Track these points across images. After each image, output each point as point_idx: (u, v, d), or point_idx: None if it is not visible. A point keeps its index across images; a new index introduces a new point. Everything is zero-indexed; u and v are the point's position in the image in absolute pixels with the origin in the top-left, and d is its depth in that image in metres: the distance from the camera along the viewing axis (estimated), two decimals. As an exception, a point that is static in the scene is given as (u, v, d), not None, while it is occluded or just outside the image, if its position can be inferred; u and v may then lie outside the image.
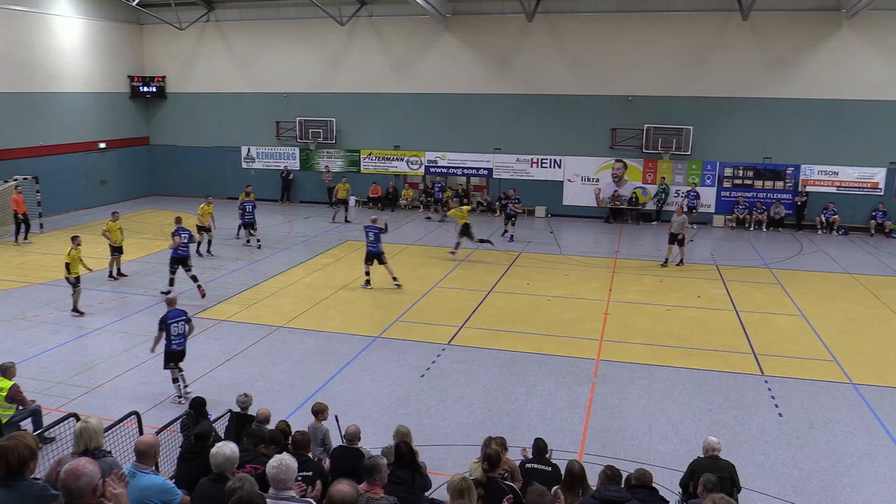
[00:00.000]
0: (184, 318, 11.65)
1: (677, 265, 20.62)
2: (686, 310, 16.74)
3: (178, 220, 18.38)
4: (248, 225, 22.77)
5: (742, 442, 10.18)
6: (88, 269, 16.42)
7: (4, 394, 9.67)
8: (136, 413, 8.09)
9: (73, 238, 16.22)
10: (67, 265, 15.74)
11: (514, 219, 24.33)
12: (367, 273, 18.24)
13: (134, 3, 30.08)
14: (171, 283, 17.46)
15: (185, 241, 17.30)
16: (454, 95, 29.33)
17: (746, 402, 11.67)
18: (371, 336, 14.58)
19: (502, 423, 10.75)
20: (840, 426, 10.87)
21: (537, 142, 28.89)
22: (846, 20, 25.41)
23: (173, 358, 11.55)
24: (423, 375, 12.63)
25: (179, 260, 17.22)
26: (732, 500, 5.31)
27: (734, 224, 27.24)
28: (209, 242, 21.67)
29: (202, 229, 21.29)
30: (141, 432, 7.84)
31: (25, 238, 23.12)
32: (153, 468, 5.56)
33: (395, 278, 18.22)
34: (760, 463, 9.60)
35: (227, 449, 5.52)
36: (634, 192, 28.21)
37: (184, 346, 11.66)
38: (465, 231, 21.30)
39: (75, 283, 15.81)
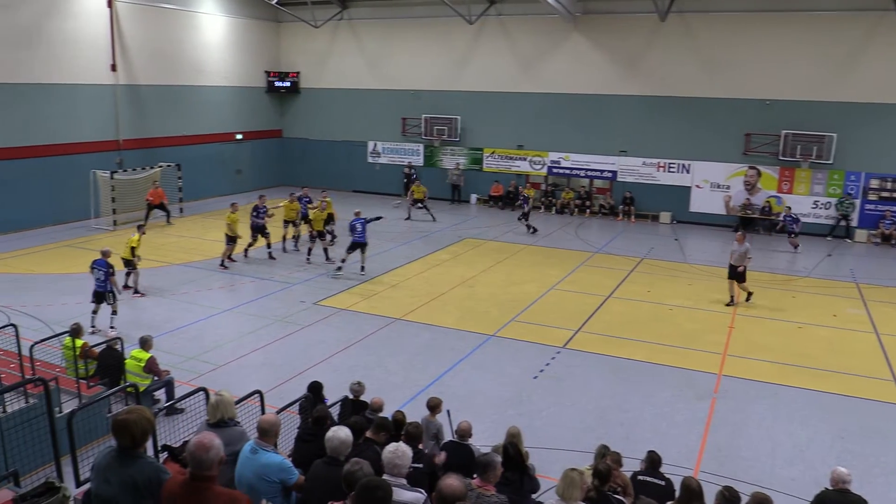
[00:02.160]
0: (104, 269, 14.01)
1: (746, 301, 17.19)
2: (820, 328, 15.73)
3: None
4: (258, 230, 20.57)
5: (876, 475, 9.44)
6: (138, 257, 16.46)
7: (143, 364, 10.39)
8: (259, 392, 8.45)
9: (140, 226, 17.03)
10: (133, 249, 16.20)
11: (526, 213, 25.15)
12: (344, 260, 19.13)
13: (273, 2, 31.49)
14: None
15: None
16: (581, 96, 28.88)
17: (884, 432, 10.82)
18: (486, 334, 14.60)
19: (615, 431, 10.48)
20: None
21: (665, 145, 27.97)
22: None
23: (95, 296, 14.21)
24: (536, 377, 12.52)
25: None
26: None
27: (879, 240, 25.30)
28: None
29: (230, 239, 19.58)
30: (263, 411, 8.18)
31: (168, 222, 24.85)
32: (273, 447, 5.77)
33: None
34: (897, 499, 8.89)
35: (342, 433, 5.66)
36: (768, 202, 26.75)
37: (103, 288, 14.11)
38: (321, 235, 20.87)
39: (134, 266, 16.46)
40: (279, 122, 35.28)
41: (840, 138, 25.25)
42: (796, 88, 25.69)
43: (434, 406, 8.68)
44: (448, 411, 8.95)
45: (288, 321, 15.09)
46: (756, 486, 7.91)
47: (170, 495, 4.28)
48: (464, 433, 7.62)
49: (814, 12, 25.01)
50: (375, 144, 33.44)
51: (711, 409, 11.45)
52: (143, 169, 25.88)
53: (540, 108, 29.68)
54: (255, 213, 20.22)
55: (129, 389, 9.34)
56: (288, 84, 34.33)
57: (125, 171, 25.34)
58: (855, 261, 22.67)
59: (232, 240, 19.39)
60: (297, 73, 34.31)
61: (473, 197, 31.24)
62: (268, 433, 5.69)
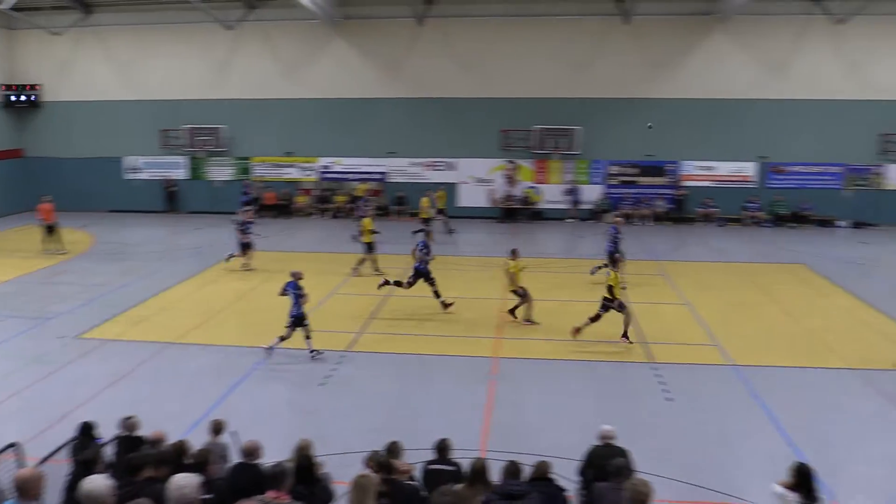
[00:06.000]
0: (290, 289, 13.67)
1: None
2: (579, 304, 17.15)
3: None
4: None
5: (635, 427, 10.55)
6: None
7: None
8: (14, 445, 7.61)
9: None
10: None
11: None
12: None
13: (6, 7, 28.08)
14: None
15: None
16: (348, 100, 29.14)
17: (638, 389, 12.20)
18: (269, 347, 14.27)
19: (405, 427, 10.74)
20: (724, 406, 11.54)
21: (431, 145, 29.14)
22: (719, 24, 27.01)
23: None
24: (322, 384, 12.48)
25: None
26: (648, 482, 5.58)
27: (622, 219, 28.23)
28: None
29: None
30: (21, 465, 7.38)
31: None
32: (36, 502, 5.23)
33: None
34: (652, 446, 9.98)
35: (90, 484, 5.02)
36: (527, 193, 28.91)
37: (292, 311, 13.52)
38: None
39: None
40: (20, 140, 31.68)
41: (584, 131, 27.91)
42: (544, 86, 28.01)
43: (216, 428, 8.36)
44: (233, 432, 8.66)
45: (45, 360, 13.65)
46: (539, 456, 8.53)
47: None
48: (251, 452, 7.42)
49: (553, 17, 27.40)
50: (134, 160, 31.21)
51: (492, 390, 12.16)
52: None
53: (308, 114, 29.53)
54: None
55: None
56: (27, 98, 30.90)
57: None
58: (603, 240, 25.06)
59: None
60: (39, 85, 31.01)
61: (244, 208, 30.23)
62: (27, 490, 5.13)
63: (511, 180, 28.93)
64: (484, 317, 16.31)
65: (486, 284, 19.07)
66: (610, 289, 14.27)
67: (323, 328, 15.39)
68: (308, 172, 30.19)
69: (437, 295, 16.56)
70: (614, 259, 16.26)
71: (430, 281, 16.57)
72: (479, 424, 10.91)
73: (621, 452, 7.78)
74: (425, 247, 17.04)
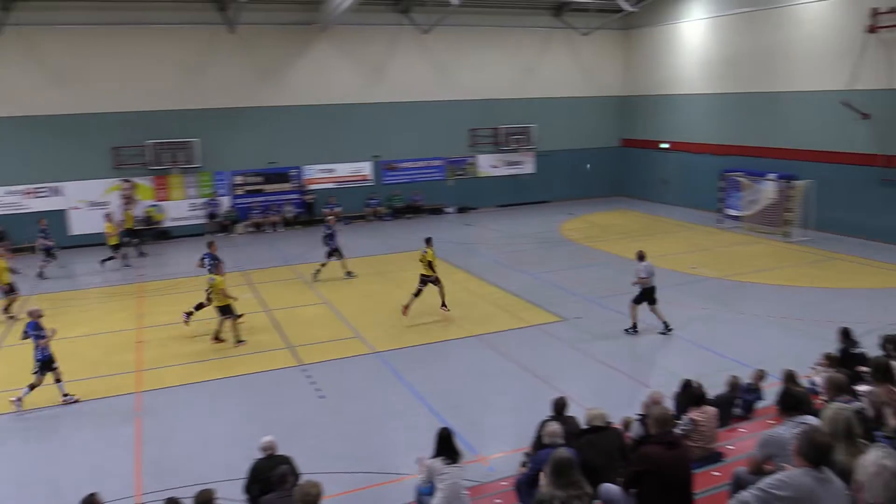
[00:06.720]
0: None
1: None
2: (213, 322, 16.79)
3: None
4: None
5: (294, 432, 10.76)
6: None
7: None
8: None
9: None
10: None
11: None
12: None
13: None
14: None
15: None
16: None
17: (291, 394, 12.48)
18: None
19: (43, 490, 9.53)
20: (373, 392, 12.40)
21: (31, 169, 25.58)
22: (322, 34, 28.35)
23: None
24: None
25: None
26: (316, 482, 5.75)
27: (253, 228, 28.32)
28: None
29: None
30: None
31: None
32: None
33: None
34: (314, 446, 10.33)
35: None
36: (148, 212, 27.22)
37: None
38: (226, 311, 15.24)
39: None
40: None
41: (204, 143, 27.14)
42: (156, 99, 26.55)
43: None
44: None
45: None
46: (200, 485, 8.25)
47: None
48: None
49: (156, 25, 26.07)
50: None
51: (138, 428, 11.35)
52: None
53: None
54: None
55: None
56: None
57: None
58: (237, 251, 24.81)
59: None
60: None
61: None
62: None
63: (129, 200, 26.91)
64: (116, 351, 15.01)
65: (114, 315, 17.59)
66: (430, 264, 16.23)
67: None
68: None
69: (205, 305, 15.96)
70: (337, 253, 19.98)
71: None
72: (131, 468, 10.13)
73: (285, 460, 7.92)
74: (213, 259, 16.49)
